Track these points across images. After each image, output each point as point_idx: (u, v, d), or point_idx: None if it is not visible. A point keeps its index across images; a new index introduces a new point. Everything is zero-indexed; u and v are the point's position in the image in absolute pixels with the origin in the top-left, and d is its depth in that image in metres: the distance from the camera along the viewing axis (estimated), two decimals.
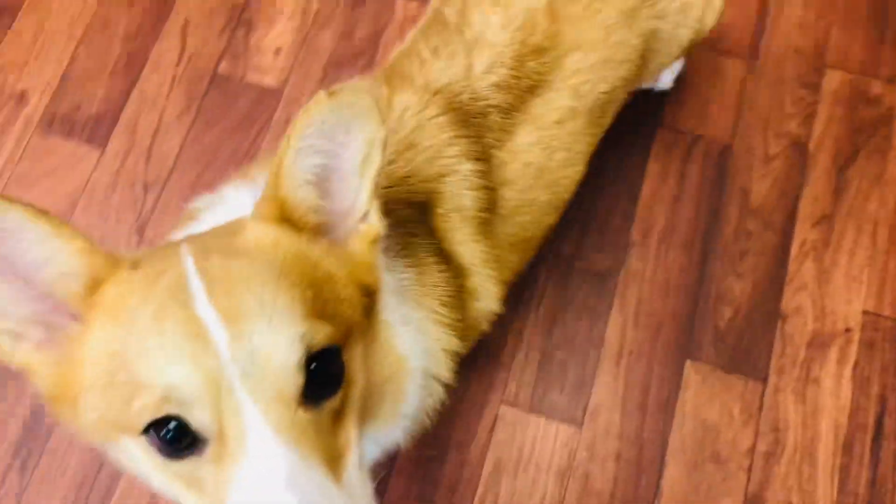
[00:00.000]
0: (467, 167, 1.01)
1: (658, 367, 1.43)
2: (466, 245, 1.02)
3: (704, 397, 1.41)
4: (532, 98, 1.06)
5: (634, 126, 1.58)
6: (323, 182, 0.73)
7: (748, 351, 1.44)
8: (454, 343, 0.98)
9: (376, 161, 0.72)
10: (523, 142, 1.06)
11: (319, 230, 0.74)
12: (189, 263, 0.65)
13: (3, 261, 0.64)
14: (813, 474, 1.36)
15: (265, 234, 0.69)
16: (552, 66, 1.07)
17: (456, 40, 1.05)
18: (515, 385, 1.42)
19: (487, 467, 1.37)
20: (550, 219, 1.16)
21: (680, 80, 1.61)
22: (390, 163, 0.97)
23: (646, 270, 1.49)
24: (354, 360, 0.70)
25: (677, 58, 1.35)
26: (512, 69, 1.04)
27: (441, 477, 1.36)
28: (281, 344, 0.61)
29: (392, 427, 0.90)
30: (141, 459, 0.66)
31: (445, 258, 0.99)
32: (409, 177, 0.98)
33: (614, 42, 1.10)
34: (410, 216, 0.96)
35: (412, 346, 0.89)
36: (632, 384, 1.42)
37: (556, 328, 1.45)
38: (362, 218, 0.75)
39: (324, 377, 0.64)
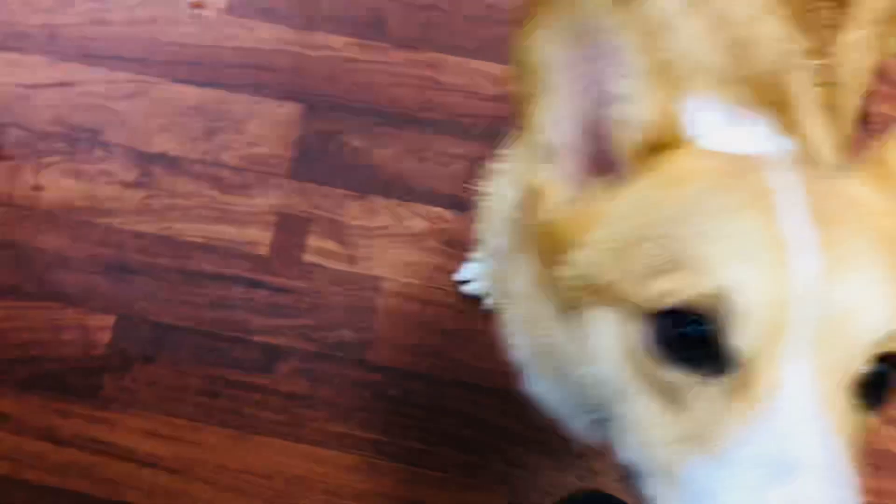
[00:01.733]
0: (811, 63, 0.88)
1: None
2: None
3: None
4: None
5: None
6: None
7: None
8: None
9: None
10: (851, 39, 0.93)
11: None
12: (792, 176, 0.56)
13: (587, 74, 0.58)
14: None
15: (877, 195, 0.59)
16: None
17: None
18: None
19: None
20: None
21: None
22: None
23: None
24: None
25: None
26: None
27: None
28: (877, 309, 0.51)
29: None
30: (609, 340, 0.58)
31: None
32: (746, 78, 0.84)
33: None
34: None
35: None
36: None
37: None
38: None
39: (880, 384, 0.53)
